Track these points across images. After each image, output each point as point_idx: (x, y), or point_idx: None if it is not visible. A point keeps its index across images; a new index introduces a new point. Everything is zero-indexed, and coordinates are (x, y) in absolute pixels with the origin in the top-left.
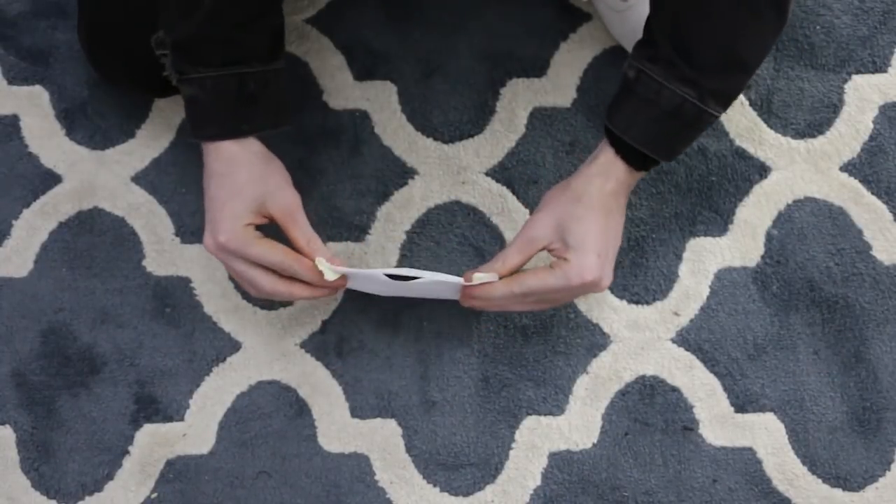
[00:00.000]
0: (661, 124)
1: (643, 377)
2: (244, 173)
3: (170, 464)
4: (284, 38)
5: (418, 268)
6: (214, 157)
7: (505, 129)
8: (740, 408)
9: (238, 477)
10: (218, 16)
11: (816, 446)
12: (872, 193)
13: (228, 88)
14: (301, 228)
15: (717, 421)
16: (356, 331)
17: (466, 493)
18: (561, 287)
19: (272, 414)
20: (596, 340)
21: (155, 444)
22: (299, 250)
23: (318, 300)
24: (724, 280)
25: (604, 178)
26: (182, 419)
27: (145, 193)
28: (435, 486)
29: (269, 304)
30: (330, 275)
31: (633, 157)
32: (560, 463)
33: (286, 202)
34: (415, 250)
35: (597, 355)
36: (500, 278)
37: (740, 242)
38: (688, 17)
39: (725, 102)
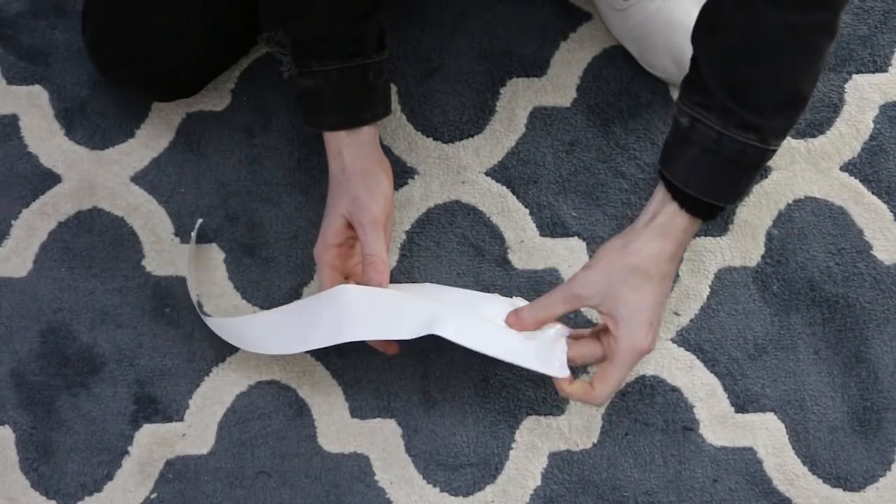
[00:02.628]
0: (724, 171)
1: (643, 377)
2: (343, 184)
3: (169, 464)
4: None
5: (419, 268)
6: (335, 154)
7: (505, 129)
8: (740, 408)
9: (238, 477)
10: (335, 13)
11: (817, 446)
12: (873, 193)
13: (353, 79)
14: (365, 244)
15: (718, 421)
16: None
17: (466, 493)
18: (620, 374)
19: (272, 414)
20: None
21: (154, 445)
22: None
23: None
24: (725, 280)
25: (664, 241)
26: (182, 419)
27: (145, 193)
28: (435, 486)
29: (268, 303)
30: None
31: (696, 207)
32: (560, 463)
33: (360, 216)
34: (415, 250)
35: None
36: (538, 323)
37: (740, 242)
38: (743, 63)
39: (784, 135)
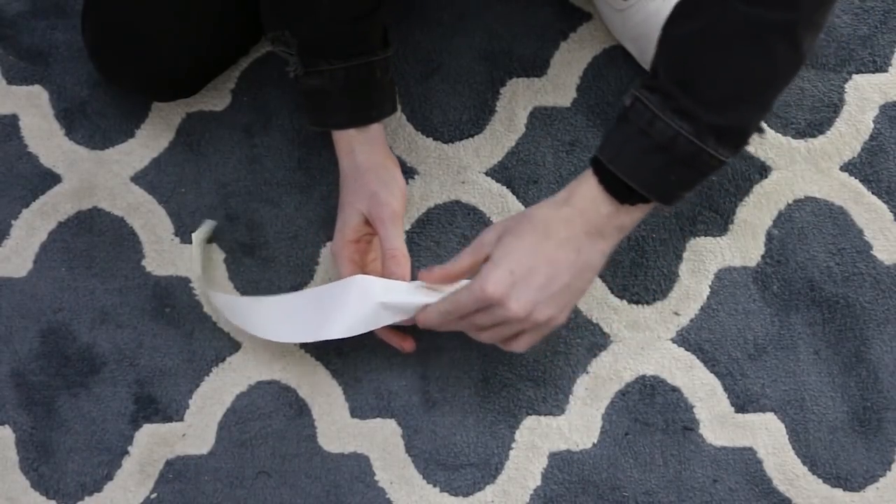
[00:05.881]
0: (652, 157)
1: (643, 377)
2: (358, 181)
3: (169, 464)
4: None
5: (419, 268)
6: (346, 152)
7: (505, 129)
8: (740, 408)
9: (238, 477)
10: (339, 12)
11: (817, 446)
12: (873, 193)
13: (360, 77)
14: (386, 238)
15: (718, 421)
16: None
17: (466, 493)
18: (467, 300)
19: (272, 414)
20: (596, 340)
21: (154, 445)
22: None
23: None
24: (725, 280)
25: (561, 203)
26: (182, 419)
27: (145, 193)
28: (435, 486)
29: None
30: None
31: (613, 185)
32: (560, 463)
33: (379, 212)
34: (415, 250)
35: (597, 355)
36: (446, 275)
37: (740, 242)
38: (691, 49)
39: (730, 143)
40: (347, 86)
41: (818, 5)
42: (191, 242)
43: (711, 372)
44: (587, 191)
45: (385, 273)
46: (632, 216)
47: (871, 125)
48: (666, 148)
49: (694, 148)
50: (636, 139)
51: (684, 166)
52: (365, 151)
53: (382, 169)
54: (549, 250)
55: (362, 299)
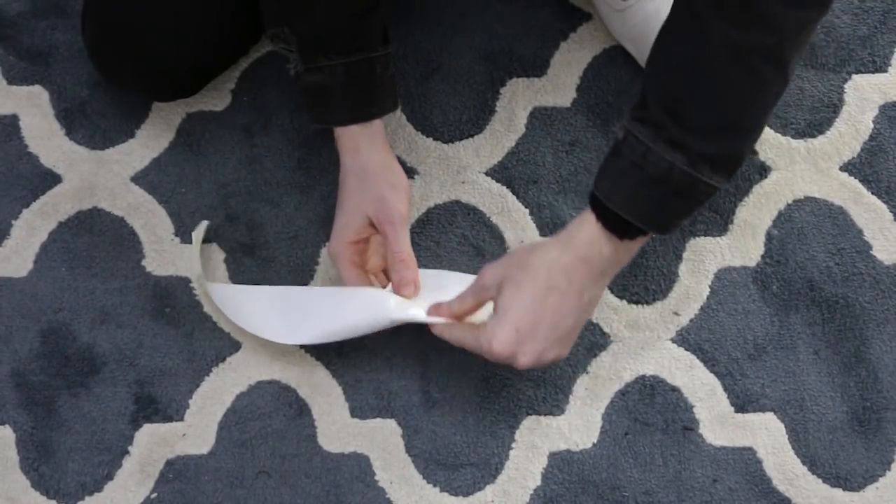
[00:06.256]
0: (647, 189)
1: (643, 377)
2: (364, 182)
3: (169, 464)
4: None
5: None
6: (350, 149)
7: (505, 129)
8: (740, 408)
9: (238, 477)
10: (339, 8)
11: (816, 446)
12: (872, 193)
13: (361, 73)
14: (394, 241)
15: (718, 421)
16: None
17: (466, 493)
18: (475, 349)
19: (272, 414)
20: (596, 340)
21: (154, 444)
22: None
23: None
24: (724, 280)
25: (562, 249)
26: (182, 419)
27: (145, 193)
28: (435, 486)
29: None
30: None
31: (612, 222)
32: (560, 463)
33: (388, 215)
34: (415, 250)
35: (597, 355)
36: (457, 316)
37: (740, 242)
38: (681, 76)
39: (725, 170)
40: (348, 82)
41: (802, 26)
42: (191, 242)
43: (711, 372)
44: (588, 231)
45: (394, 277)
46: (630, 250)
47: (871, 125)
48: (661, 180)
49: (689, 178)
50: (631, 173)
51: (681, 197)
52: (369, 148)
53: (388, 170)
54: (552, 301)
55: (375, 313)
